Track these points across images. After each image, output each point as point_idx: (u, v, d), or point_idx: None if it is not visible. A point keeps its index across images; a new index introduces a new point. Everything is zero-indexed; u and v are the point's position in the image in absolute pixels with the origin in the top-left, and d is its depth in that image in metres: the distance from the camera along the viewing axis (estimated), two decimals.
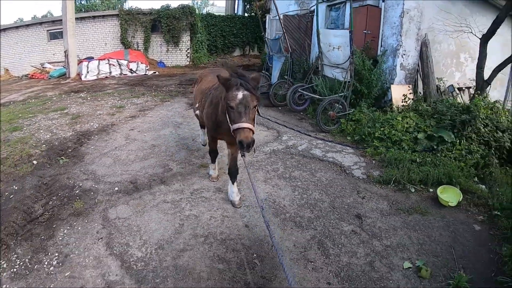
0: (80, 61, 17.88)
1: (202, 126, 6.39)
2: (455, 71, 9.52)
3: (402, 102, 7.94)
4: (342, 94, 7.79)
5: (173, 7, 20.74)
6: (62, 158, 6.26)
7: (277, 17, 11.87)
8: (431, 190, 5.20)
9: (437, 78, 8.78)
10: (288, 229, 4.16)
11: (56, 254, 3.67)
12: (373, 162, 6.15)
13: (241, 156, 4.03)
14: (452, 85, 9.09)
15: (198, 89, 5.56)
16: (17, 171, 5.74)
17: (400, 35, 8.21)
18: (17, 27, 22.02)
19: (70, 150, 6.59)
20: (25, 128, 8.06)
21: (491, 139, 6.51)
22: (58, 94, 12.32)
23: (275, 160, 6.17)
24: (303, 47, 12.62)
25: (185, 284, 3.25)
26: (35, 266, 3.51)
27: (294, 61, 10.61)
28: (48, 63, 20.32)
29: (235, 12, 26.58)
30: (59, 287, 3.22)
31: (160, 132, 7.63)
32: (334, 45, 8.29)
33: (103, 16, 21.43)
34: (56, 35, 21.20)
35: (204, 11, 33.10)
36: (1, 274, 3.37)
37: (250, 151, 3.75)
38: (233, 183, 4.82)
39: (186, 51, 21.56)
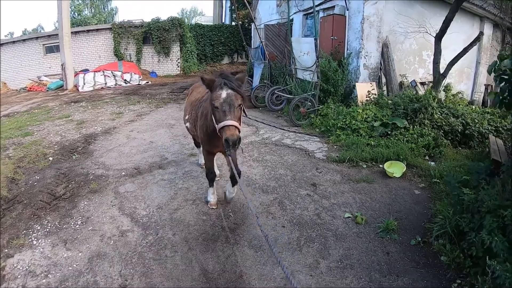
0: (76, 74, 19.13)
1: (197, 144, 6.35)
2: (419, 68, 10.80)
3: (366, 97, 9.25)
4: (310, 93, 9.13)
5: (163, 19, 22.19)
6: (74, 154, 7.55)
7: (261, 26, 13.21)
8: (380, 166, 6.47)
9: (400, 74, 10.09)
10: (257, 194, 5.48)
11: (80, 218, 4.93)
12: (334, 147, 7.47)
13: (227, 155, 4.09)
14: (414, 80, 10.38)
15: (189, 101, 5.68)
16: (36, 166, 6.99)
17: (362, 39, 9.55)
18: (13, 42, 23.26)
19: (80, 148, 7.88)
20: (35, 133, 9.32)
21: (444, 123, 7.77)
22: (59, 104, 13.59)
23: (252, 148, 7.49)
24: (283, 53, 13.97)
25: (178, 229, 4.53)
26: (64, 226, 4.75)
27: (272, 66, 11.95)
28: (45, 76, 21.44)
29: (223, 21, 27.93)
30: (85, 237, 4.47)
31: (156, 132, 8.93)
32: (304, 51, 9.67)
33: (97, 30, 22.79)
34: (52, 49, 22.48)
35: (193, 21, 34.45)
36: (35, 235, 4.61)
37: (235, 149, 3.83)
38: (232, 186, 4.98)
39: (177, 61, 22.93)
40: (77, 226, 4.73)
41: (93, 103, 13.24)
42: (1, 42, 23.54)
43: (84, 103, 13.39)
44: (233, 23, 25.95)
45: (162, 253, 4.08)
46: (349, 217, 4.84)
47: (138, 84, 18.85)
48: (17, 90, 20.73)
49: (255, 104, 11.38)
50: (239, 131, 3.82)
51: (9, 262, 3.95)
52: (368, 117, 8.10)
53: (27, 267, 3.88)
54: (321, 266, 3.82)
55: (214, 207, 5.17)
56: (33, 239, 4.45)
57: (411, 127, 7.65)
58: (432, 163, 6.72)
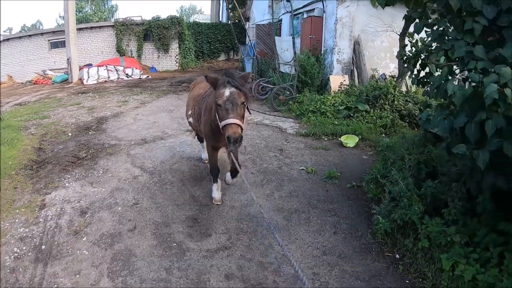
0: (80, 68, 20.95)
1: (200, 139, 6.68)
2: (390, 63, 12.54)
3: (339, 88, 11.05)
4: (289, 83, 10.96)
5: (162, 18, 24.16)
6: (90, 131, 9.38)
7: (254, 26, 15.07)
8: (339, 139, 8.24)
9: (371, 68, 11.88)
10: None
11: (101, 169, 6.73)
12: (304, 126, 9.27)
13: (229, 152, 4.32)
14: (384, 74, 12.14)
15: (191, 96, 5.90)
16: (58, 139, 8.80)
17: (335, 38, 11.36)
18: (20, 37, 25.12)
19: (94, 127, 9.70)
20: (52, 117, 11.14)
21: (402, 108, 9.46)
22: (68, 95, 15.44)
23: None
24: (272, 50, 15.83)
25: (175, 174, 6.36)
26: (89, 175, 6.54)
27: (259, 62, 13.80)
28: (50, 70, 23.28)
29: (220, 19, 29.72)
30: (106, 180, 6.27)
31: (158, 115, 10.76)
32: (284, 48, 11.50)
33: (100, 27, 24.65)
34: (56, 45, 24.28)
35: (192, 19, 36.25)
36: (67, 181, 6.40)
37: (237, 147, 3.99)
38: (232, 178, 5.52)
39: (175, 57, 24.80)
40: (99, 174, 6.54)
41: (100, 94, 15.10)
42: (8, 38, 25.40)
43: (91, 94, 15.25)
44: (230, 22, 27.75)
45: (163, 186, 5.91)
46: (302, 169, 6.63)
47: (139, 78, 20.69)
48: (22, 83, 22.42)
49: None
50: (242, 129, 4.02)
51: (48, 197, 5.71)
52: (336, 102, 9.90)
53: (63, 198, 5.66)
54: (275, 195, 5.63)
55: (219, 203, 5.38)
56: (65, 183, 6.23)
57: (372, 110, 9.39)
58: (386, 139, 8.44)
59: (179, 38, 24.38)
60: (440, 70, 3.39)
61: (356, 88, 10.72)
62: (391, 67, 12.55)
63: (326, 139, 8.32)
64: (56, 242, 4.44)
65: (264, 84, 12.13)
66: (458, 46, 3.19)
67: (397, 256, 4.12)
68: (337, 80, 11.27)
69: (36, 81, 21.89)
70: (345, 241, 4.44)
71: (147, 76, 21.44)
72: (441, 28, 3.57)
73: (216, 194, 5.42)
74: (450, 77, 3.27)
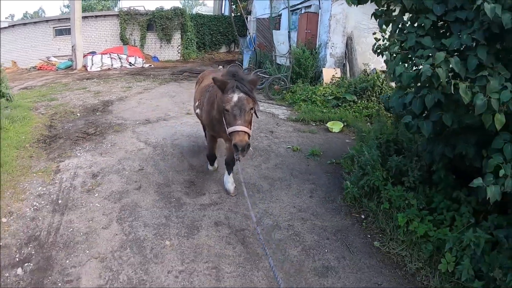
0: (84, 55, 21.68)
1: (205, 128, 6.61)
2: (381, 58, 13.31)
3: (331, 80, 11.83)
4: (283, 74, 11.76)
5: (166, 9, 24.90)
6: (97, 112, 10.17)
7: (255, 19, 15.87)
8: (326, 125, 9.03)
9: (363, 63, 12.64)
10: None
11: (109, 143, 7.54)
12: (295, 112, 10.07)
13: (236, 160, 4.23)
14: (375, 68, 12.91)
15: (199, 88, 5.92)
16: (67, 118, 9.58)
17: (329, 33, 12.14)
18: (25, 24, 25.92)
19: (101, 108, 10.50)
20: (60, 99, 11.91)
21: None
22: (73, 81, 16.20)
23: None
24: (271, 43, 16.62)
25: (176, 148, 7.18)
26: (98, 147, 7.34)
27: (257, 53, 14.60)
28: (54, 56, 24.00)
29: (222, 12, 30.41)
30: (114, 151, 7.07)
31: (161, 99, 11.56)
32: (280, 41, 12.30)
33: (104, 15, 25.39)
34: (61, 32, 25.04)
35: (194, 11, 36.94)
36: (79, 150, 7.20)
37: (244, 155, 3.96)
38: (229, 174, 5.38)
39: (177, 47, 25.56)
40: (108, 147, 7.35)
41: (104, 80, 15.89)
42: (13, 24, 26.15)
43: (95, 80, 16.03)
44: (232, 14, 28.51)
45: (165, 157, 6.74)
46: (289, 147, 7.45)
47: (142, 67, 21.45)
48: (27, 69, 23.07)
49: None
50: (249, 136, 3.98)
51: (62, 164, 6.49)
52: (326, 93, 10.69)
53: (75, 165, 6.45)
54: (262, 167, 6.45)
55: (212, 170, 6.16)
56: (77, 153, 7.03)
57: (359, 101, 10.18)
58: (370, 125, 9.22)
59: (182, 29, 25.13)
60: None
61: (347, 80, 11.49)
62: (382, 62, 13.28)
63: (314, 124, 9.12)
64: (71, 198, 5.26)
65: (261, 75, 12.91)
66: (410, 37, 3.96)
67: (362, 216, 4.94)
68: (329, 73, 12.04)
69: (40, 67, 22.58)
70: (319, 203, 5.26)
71: (150, 65, 22.19)
72: (400, 24, 4.35)
73: (211, 167, 6.11)
74: (401, 63, 4.05)
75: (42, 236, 4.35)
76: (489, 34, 3.24)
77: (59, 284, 3.57)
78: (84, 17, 23.60)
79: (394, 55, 4.30)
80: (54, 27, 25.20)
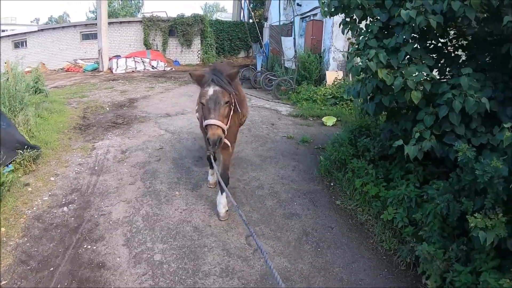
0: (110, 58, 23.69)
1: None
2: None
3: (333, 82, 13.36)
4: (289, 76, 13.35)
5: (187, 15, 26.94)
6: (124, 107, 11.94)
7: (268, 26, 17.55)
8: (322, 119, 10.55)
9: None
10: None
11: (135, 130, 9.27)
12: (297, 110, 11.61)
13: (208, 155, 4.69)
14: None
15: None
16: (98, 111, 11.37)
17: (332, 39, 13.67)
18: (54, 28, 28.28)
19: (127, 104, 12.28)
20: (90, 96, 13.76)
21: None
22: (100, 81, 18.14)
23: None
24: (281, 48, 18.28)
25: (190, 134, 8.85)
26: (126, 133, 9.08)
27: (268, 58, 16.25)
28: (80, 59, 26.26)
29: (241, 18, 32.19)
30: (139, 136, 8.75)
31: (180, 98, 13.30)
32: (288, 47, 13.93)
33: (129, 21, 27.55)
34: (88, 36, 27.31)
35: (214, 17, 38.87)
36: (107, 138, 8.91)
37: (216, 149, 4.14)
38: (221, 193, 5.06)
39: (197, 52, 27.49)
40: (134, 133, 9.07)
41: (129, 81, 17.79)
42: (42, 28, 28.51)
43: (121, 81, 17.94)
44: (251, 21, 30.18)
45: (181, 140, 8.43)
46: (284, 136, 9.01)
47: (164, 70, 23.36)
48: (55, 70, 25.22)
49: (254, 86, 15.60)
50: (224, 131, 4.09)
51: (96, 144, 8.25)
52: (326, 93, 12.22)
53: (108, 144, 8.19)
54: (259, 149, 8.04)
55: (212, 187, 6.04)
56: (108, 137, 8.78)
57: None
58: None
59: (201, 35, 27.08)
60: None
61: (348, 82, 12.97)
62: None
63: (311, 119, 10.64)
64: (105, 166, 6.98)
65: (270, 77, 14.52)
66: (361, 40, 5.46)
67: (332, 184, 6.45)
68: (332, 76, 13.56)
69: (68, 69, 24.77)
70: (299, 174, 6.81)
71: (171, 69, 24.09)
72: (356, 30, 5.84)
73: (211, 178, 6.10)
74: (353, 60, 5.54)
75: (82, 188, 6.07)
76: (421, 32, 4.68)
77: (95, 216, 5.23)
78: (110, 23, 25.72)
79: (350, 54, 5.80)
80: (81, 32, 27.48)
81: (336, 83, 13.15)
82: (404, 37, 4.63)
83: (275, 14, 21.38)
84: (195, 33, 26.96)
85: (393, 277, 4.10)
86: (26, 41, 28.45)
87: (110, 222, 5.07)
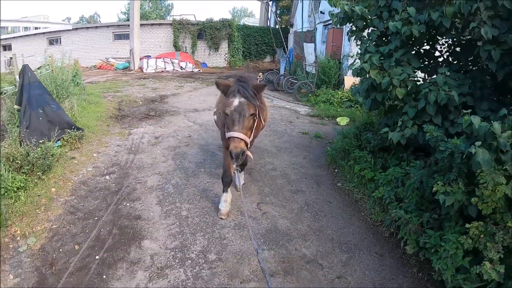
0: (140, 58, 25.20)
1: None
2: None
3: (350, 86, 14.33)
4: (310, 80, 14.43)
5: (215, 20, 28.48)
6: (155, 102, 13.20)
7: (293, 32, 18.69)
8: (336, 119, 11.57)
9: None
10: None
11: (166, 121, 10.52)
12: (315, 110, 12.65)
13: (235, 169, 4.62)
14: None
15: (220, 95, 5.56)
16: (132, 105, 12.68)
17: (350, 45, 14.69)
18: (87, 28, 30.44)
19: (158, 100, 13.59)
20: (123, 92, 15.14)
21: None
22: (131, 79, 19.60)
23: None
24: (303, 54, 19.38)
25: (215, 126, 9.94)
26: (158, 123, 10.34)
27: (291, 62, 17.37)
28: (112, 58, 28.08)
29: (268, 24, 33.43)
30: (170, 126, 9.94)
31: (208, 97, 14.52)
32: (309, 52, 15.02)
33: (159, 24, 29.22)
34: (119, 36, 29.21)
35: (242, 21, 40.23)
36: (144, 125, 10.13)
37: (239, 162, 4.11)
38: (240, 172, 5.26)
39: (224, 55, 28.88)
40: (165, 123, 10.32)
41: (159, 80, 19.22)
42: (77, 27, 30.37)
43: (151, 79, 19.36)
44: (277, 26, 31.31)
45: (207, 131, 9.64)
46: (300, 132, 10.07)
47: (192, 71, 24.78)
48: (87, 67, 26.90)
49: (277, 88, 16.71)
50: (247, 144, 4.09)
51: (132, 130, 9.53)
52: (343, 96, 13.24)
53: (142, 131, 9.45)
54: (276, 141, 9.13)
55: (223, 217, 5.30)
56: (142, 125, 10.06)
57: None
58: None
59: (229, 38, 28.49)
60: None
61: None
62: None
63: (326, 119, 11.67)
64: (141, 147, 8.21)
65: (292, 80, 15.61)
66: (363, 46, 6.50)
67: (336, 170, 7.47)
68: (350, 80, 14.52)
69: (100, 67, 26.51)
70: (308, 162, 7.86)
71: (199, 70, 25.51)
72: (360, 37, 6.87)
73: (223, 206, 5.37)
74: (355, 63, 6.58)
75: (121, 163, 7.32)
76: (408, 40, 5.69)
77: (133, 184, 6.44)
78: (141, 25, 27.39)
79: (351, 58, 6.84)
80: (113, 32, 29.35)
81: (353, 87, 14.12)
82: (396, 44, 5.66)
83: (300, 21, 22.55)
84: (222, 37, 28.37)
85: (377, 241, 5.07)
86: (60, 39, 30.52)
87: (146, 188, 6.25)
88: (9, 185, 5.34)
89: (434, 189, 3.98)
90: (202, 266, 4.30)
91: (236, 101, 4.05)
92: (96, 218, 5.28)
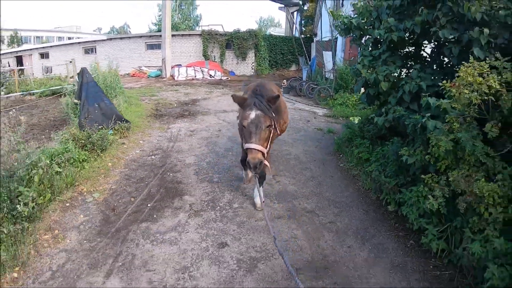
0: (172, 67, 27.36)
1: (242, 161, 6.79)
2: None
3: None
4: (328, 85, 16.15)
5: (242, 30, 30.64)
6: (188, 104, 15.15)
7: (317, 41, 20.53)
8: (349, 118, 13.19)
9: None
10: None
11: (199, 119, 12.48)
12: (331, 112, 14.29)
13: (255, 177, 4.99)
14: None
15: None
16: (168, 107, 14.68)
17: None
18: (121, 38, 33.31)
19: (191, 103, 15.60)
20: (158, 96, 17.21)
21: None
22: (164, 85, 21.75)
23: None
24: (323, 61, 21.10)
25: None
26: (192, 120, 12.28)
27: (312, 70, 19.14)
28: (144, 66, 30.44)
29: (293, 34, 35.27)
30: (203, 123, 11.80)
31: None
32: (328, 60, 16.77)
33: (189, 34, 31.52)
34: (152, 46, 31.68)
35: (268, 31, 42.23)
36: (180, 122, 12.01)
37: (257, 172, 4.47)
38: (259, 186, 5.27)
39: (251, 64, 30.87)
40: (198, 120, 12.27)
41: (190, 86, 21.35)
42: (111, 37, 32.96)
43: (183, 86, 21.48)
44: (302, 36, 33.02)
45: (235, 127, 11.30)
46: (315, 128, 11.75)
47: (220, 79, 26.81)
48: (122, 75, 28.88)
49: (299, 93, 18.45)
50: (264, 154, 4.44)
51: (170, 126, 11.46)
52: (358, 99, 14.85)
53: (179, 126, 11.40)
54: (293, 135, 10.86)
55: (247, 183, 6.89)
56: (178, 122, 12.03)
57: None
58: None
59: (255, 48, 30.55)
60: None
61: None
62: None
63: (341, 118, 13.30)
64: (179, 137, 10.14)
65: (313, 86, 17.33)
66: (360, 51, 8.16)
67: (341, 155, 9.12)
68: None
69: (133, 74, 28.93)
70: (318, 150, 9.55)
71: (227, 78, 27.52)
72: (359, 44, 8.49)
73: (245, 176, 6.91)
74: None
75: (163, 148, 9.28)
76: (390, 43, 7.29)
77: (174, 161, 8.33)
78: (172, 35, 29.65)
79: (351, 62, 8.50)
80: (145, 42, 31.84)
81: (355, 87, 15.74)
82: (383, 48, 7.30)
83: (323, 30, 24.29)
84: (249, 47, 30.43)
85: (365, 203, 6.65)
86: (95, 48, 33.36)
87: (185, 164, 8.15)
88: (76, 157, 7.28)
89: (400, 152, 5.57)
90: (228, 210, 6.10)
91: (252, 114, 4.48)
92: (146, 183, 7.15)
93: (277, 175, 7.65)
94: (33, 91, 17.64)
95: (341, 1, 19.83)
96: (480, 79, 4.07)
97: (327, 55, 17.98)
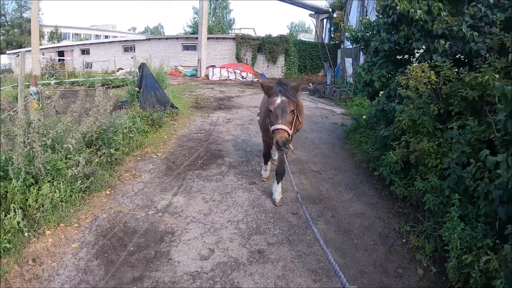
0: (207, 67, 30.39)
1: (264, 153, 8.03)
2: None
3: None
4: (348, 88, 18.83)
5: (273, 36, 33.76)
6: (224, 100, 18.10)
7: (342, 48, 23.27)
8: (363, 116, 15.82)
9: None
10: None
11: (234, 112, 15.49)
12: (348, 111, 16.92)
13: (281, 154, 5.99)
14: None
15: (263, 98, 6.85)
16: (206, 101, 17.71)
17: None
18: (159, 39, 36.97)
19: (226, 99, 18.71)
20: (196, 92, 20.27)
21: None
22: (200, 84, 24.84)
23: (309, 108, 17.27)
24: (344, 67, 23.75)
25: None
26: (228, 112, 15.19)
27: (336, 74, 21.85)
28: (180, 66, 33.74)
29: (323, 40, 37.92)
30: (237, 114, 14.63)
31: None
32: (348, 66, 19.44)
33: (223, 38, 34.90)
34: (187, 47, 35.07)
35: (299, 37, 44.99)
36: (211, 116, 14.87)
37: (284, 150, 5.11)
38: (277, 183, 6.63)
39: (281, 68, 33.92)
40: (233, 112, 15.28)
41: (224, 85, 24.50)
42: (149, 38, 36.33)
43: (217, 85, 24.57)
44: (331, 42, 35.62)
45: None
46: (331, 123, 14.44)
47: (252, 81, 29.86)
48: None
49: (322, 96, 21.17)
50: (289, 134, 5.09)
51: (210, 115, 14.43)
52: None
53: (217, 116, 14.40)
54: (312, 126, 13.63)
55: (265, 180, 7.86)
56: (217, 112, 15.03)
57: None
58: None
59: (285, 53, 33.68)
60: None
61: None
62: None
63: (355, 116, 15.90)
64: (218, 123, 13.12)
65: (335, 89, 20.03)
66: (365, 59, 10.80)
67: (347, 141, 11.77)
68: None
69: (170, 73, 31.83)
70: (330, 137, 12.27)
71: (258, 80, 30.45)
72: (364, 52, 11.11)
73: (264, 172, 7.95)
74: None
75: (206, 129, 12.27)
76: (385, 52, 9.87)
77: (216, 138, 11.28)
78: (208, 38, 32.70)
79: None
80: (182, 43, 35.18)
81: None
82: (380, 55, 9.87)
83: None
84: (280, 51, 33.52)
85: (358, 169, 9.25)
86: (134, 47, 36.70)
87: (224, 140, 11.08)
88: (142, 128, 10.16)
89: (380, 132, 8.23)
90: (256, 166, 8.96)
91: (278, 99, 5.10)
92: (196, 149, 10.07)
93: (295, 150, 10.34)
94: (92, 79, 21.21)
95: (365, 11, 22.46)
96: (422, 73, 6.66)
97: (348, 62, 20.71)
